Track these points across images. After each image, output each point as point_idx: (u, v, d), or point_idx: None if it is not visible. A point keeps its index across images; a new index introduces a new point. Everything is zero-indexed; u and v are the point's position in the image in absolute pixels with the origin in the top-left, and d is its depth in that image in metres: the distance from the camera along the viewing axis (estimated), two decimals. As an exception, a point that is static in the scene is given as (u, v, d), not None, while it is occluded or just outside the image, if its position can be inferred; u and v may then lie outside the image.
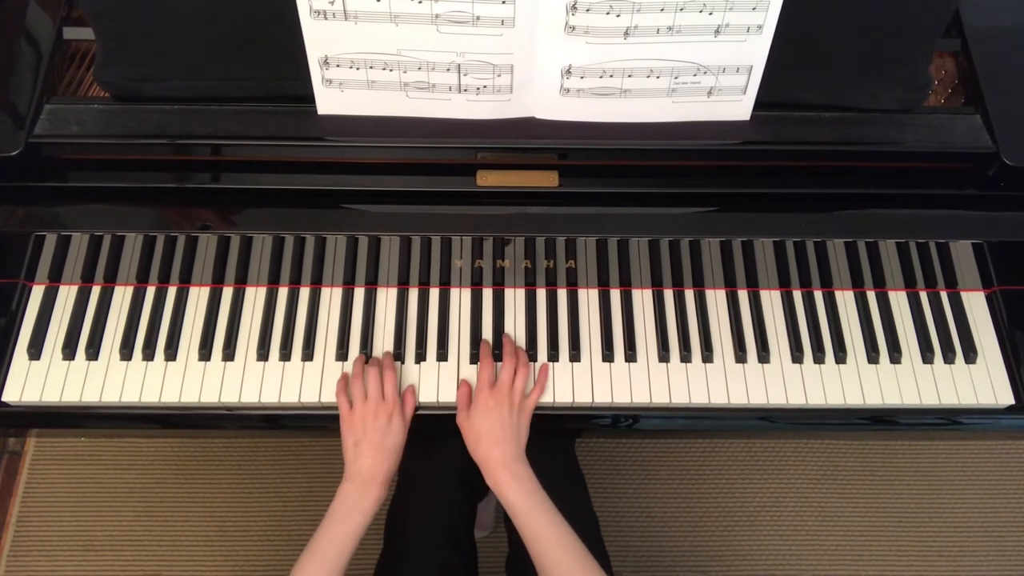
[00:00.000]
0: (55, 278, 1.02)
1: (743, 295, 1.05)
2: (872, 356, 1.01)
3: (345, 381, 0.98)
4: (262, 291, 1.03)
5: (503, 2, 0.79)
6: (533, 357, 1.01)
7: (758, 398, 0.99)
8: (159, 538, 1.61)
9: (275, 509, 1.63)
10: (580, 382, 0.99)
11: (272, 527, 1.62)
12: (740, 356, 1.01)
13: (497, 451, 0.91)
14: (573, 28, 0.82)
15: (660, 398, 0.98)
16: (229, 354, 0.99)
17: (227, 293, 1.03)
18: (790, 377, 1.00)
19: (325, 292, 1.04)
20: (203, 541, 1.61)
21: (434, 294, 1.04)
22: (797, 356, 1.01)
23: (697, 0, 0.80)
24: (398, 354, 1.00)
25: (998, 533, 1.66)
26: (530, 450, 0.94)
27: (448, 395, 0.98)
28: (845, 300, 1.05)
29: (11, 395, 0.96)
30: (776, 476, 1.70)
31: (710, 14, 0.81)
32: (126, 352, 0.99)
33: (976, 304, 1.04)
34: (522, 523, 0.88)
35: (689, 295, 1.04)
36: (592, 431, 1.02)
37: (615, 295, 1.04)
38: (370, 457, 0.92)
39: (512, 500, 0.89)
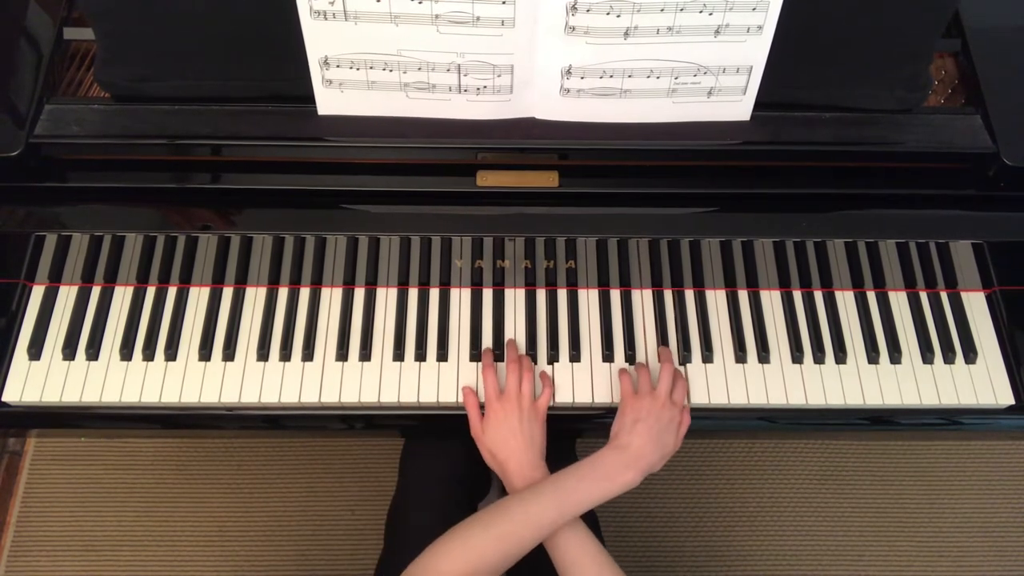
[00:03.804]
0: (55, 278, 1.02)
1: (743, 295, 1.05)
2: (872, 356, 1.01)
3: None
4: (262, 291, 1.03)
5: (503, 2, 0.79)
6: (533, 357, 1.00)
7: (758, 398, 0.99)
8: (159, 538, 1.61)
9: (275, 509, 1.63)
10: (580, 382, 0.99)
11: (272, 527, 1.62)
12: (740, 356, 1.01)
13: (512, 462, 0.91)
14: (573, 28, 0.82)
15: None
16: (229, 354, 0.99)
17: (227, 293, 1.03)
18: (790, 377, 1.00)
19: (325, 292, 1.04)
20: (203, 541, 1.61)
21: (434, 294, 1.04)
22: (797, 356, 1.01)
23: (697, 0, 0.80)
24: (398, 354, 1.00)
25: (998, 533, 1.66)
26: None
27: (448, 395, 0.98)
28: (845, 300, 1.05)
29: (11, 395, 0.96)
30: (776, 476, 1.70)
31: (710, 14, 0.81)
32: (126, 352, 0.99)
33: (976, 304, 1.04)
34: None
35: (689, 295, 1.04)
36: (592, 431, 1.02)
37: (615, 295, 1.04)
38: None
39: None
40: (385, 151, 0.93)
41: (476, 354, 1.00)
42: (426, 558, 0.81)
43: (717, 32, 0.83)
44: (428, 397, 0.98)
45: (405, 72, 0.86)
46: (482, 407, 0.96)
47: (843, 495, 1.69)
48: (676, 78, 0.87)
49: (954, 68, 1.01)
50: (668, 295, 1.05)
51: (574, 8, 0.80)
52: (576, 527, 0.87)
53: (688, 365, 1.00)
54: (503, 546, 0.82)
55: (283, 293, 1.03)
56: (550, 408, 0.96)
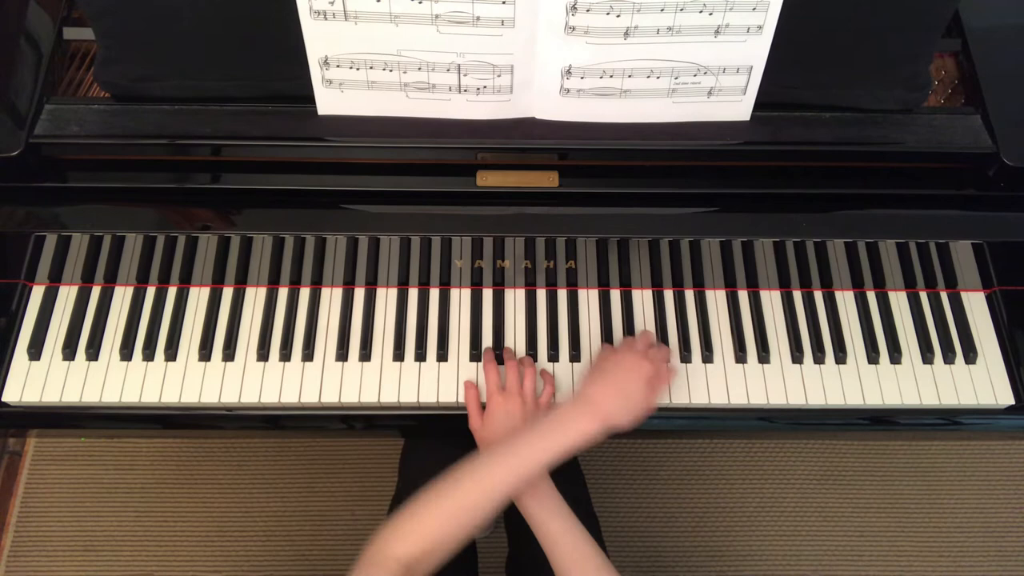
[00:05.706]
0: (55, 278, 1.02)
1: (743, 295, 1.05)
2: (872, 356, 1.01)
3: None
4: (262, 291, 1.03)
5: (503, 2, 0.79)
6: (533, 357, 1.00)
7: (758, 398, 0.99)
8: (159, 538, 1.61)
9: (275, 509, 1.63)
10: (581, 382, 0.99)
11: (272, 527, 1.62)
12: (740, 356, 1.01)
13: None
14: (573, 28, 0.82)
15: (660, 398, 0.98)
16: (229, 354, 0.99)
17: (227, 293, 1.03)
18: (790, 377, 1.00)
19: (325, 292, 1.04)
20: (203, 541, 1.61)
21: (434, 294, 1.04)
22: (797, 356, 1.01)
23: (697, 0, 0.80)
24: (398, 354, 1.00)
25: (998, 533, 1.66)
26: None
27: (448, 395, 0.98)
28: (845, 300, 1.05)
29: (11, 395, 0.96)
30: (776, 476, 1.70)
31: (710, 14, 0.81)
32: (126, 352, 0.99)
33: (976, 304, 1.04)
34: (538, 530, 0.87)
35: (689, 295, 1.04)
36: (592, 431, 1.02)
37: (615, 295, 1.04)
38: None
39: (528, 509, 0.88)
40: (385, 151, 0.93)
41: (476, 354, 1.00)
42: (379, 542, 0.78)
43: (717, 32, 0.83)
44: (428, 397, 0.98)
45: (405, 72, 0.86)
46: (483, 404, 0.96)
47: (843, 495, 1.69)
48: (676, 78, 0.87)
49: (954, 68, 1.01)
50: (668, 295, 1.05)
51: (574, 8, 0.80)
52: (575, 528, 0.87)
53: (688, 365, 1.00)
54: (458, 520, 0.79)
55: (283, 293, 1.03)
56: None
